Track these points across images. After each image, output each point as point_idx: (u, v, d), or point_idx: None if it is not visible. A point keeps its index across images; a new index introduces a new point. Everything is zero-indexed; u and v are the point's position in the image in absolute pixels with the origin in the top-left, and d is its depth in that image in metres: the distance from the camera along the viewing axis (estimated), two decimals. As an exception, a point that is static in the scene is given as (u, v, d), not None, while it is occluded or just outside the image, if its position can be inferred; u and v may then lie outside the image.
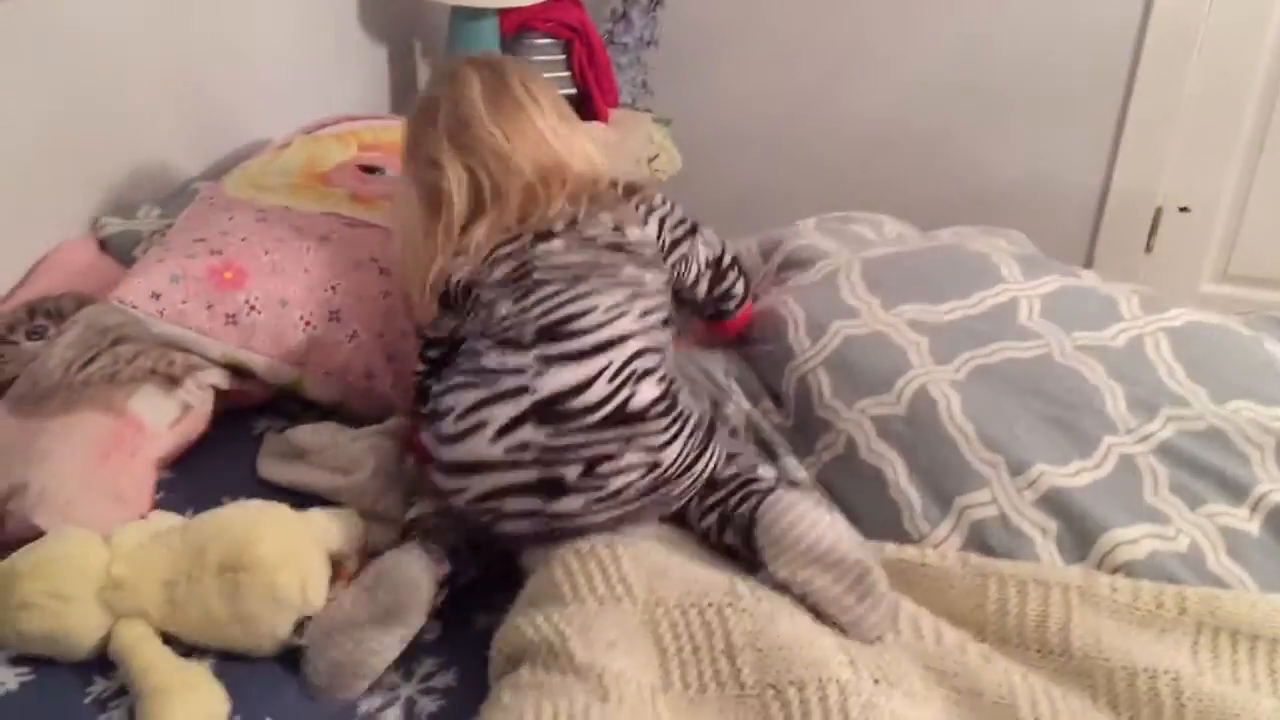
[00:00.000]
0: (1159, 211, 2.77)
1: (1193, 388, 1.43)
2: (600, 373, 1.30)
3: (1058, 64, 2.70)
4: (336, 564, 1.32)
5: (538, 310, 1.35)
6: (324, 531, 1.32)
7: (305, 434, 1.53)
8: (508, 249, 1.41)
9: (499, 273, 1.40)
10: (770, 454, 1.47)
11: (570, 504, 1.28)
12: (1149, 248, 2.81)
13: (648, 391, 1.31)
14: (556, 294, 1.35)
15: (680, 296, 1.55)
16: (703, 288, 1.56)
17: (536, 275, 1.38)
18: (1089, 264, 2.86)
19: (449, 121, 1.46)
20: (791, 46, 2.88)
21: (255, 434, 1.61)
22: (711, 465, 1.35)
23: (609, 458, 1.28)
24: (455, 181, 1.44)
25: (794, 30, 2.87)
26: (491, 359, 1.34)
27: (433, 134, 1.47)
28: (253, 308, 1.59)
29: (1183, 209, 2.75)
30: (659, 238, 1.47)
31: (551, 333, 1.33)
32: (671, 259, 1.49)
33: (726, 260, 1.58)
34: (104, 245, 1.82)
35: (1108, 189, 2.78)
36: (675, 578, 1.24)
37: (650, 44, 2.91)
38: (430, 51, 2.73)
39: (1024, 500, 1.33)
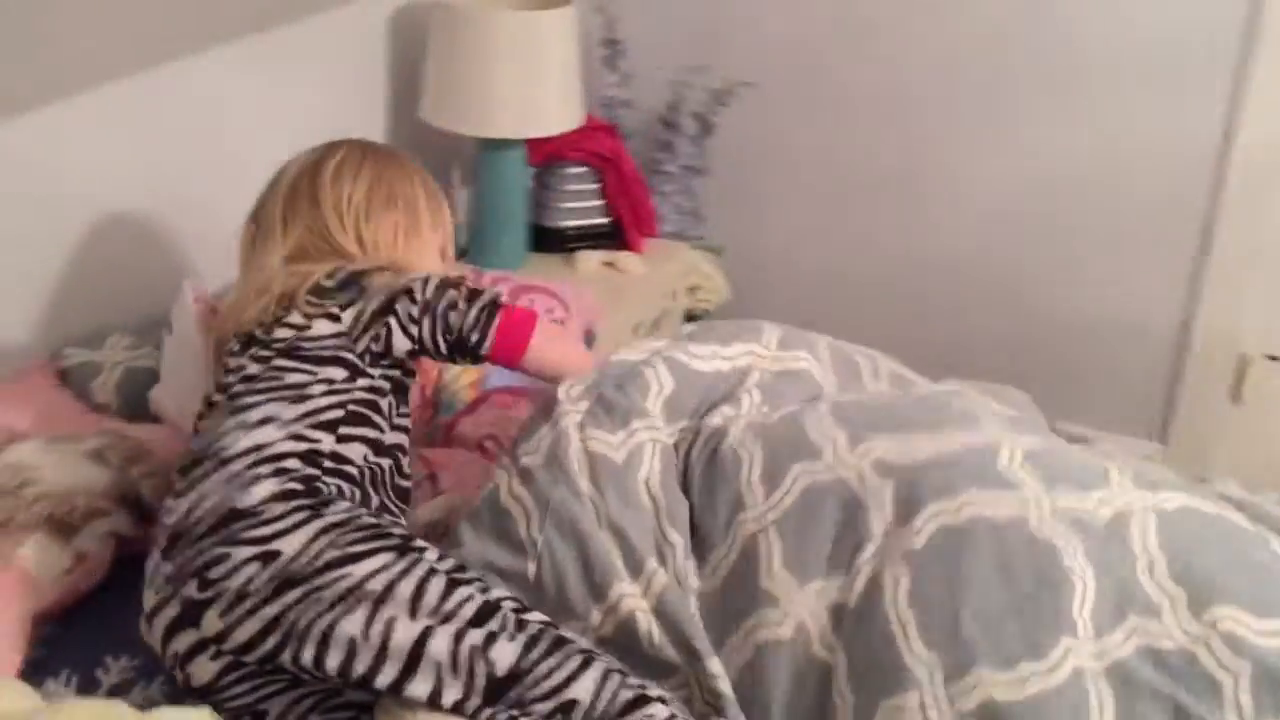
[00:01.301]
0: (1244, 359, 2.50)
1: (1172, 589, 1.22)
2: (214, 490, 1.28)
3: (1132, 195, 2.50)
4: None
5: (196, 446, 1.36)
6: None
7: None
8: (233, 362, 1.45)
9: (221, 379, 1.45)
10: (689, 652, 1.28)
11: (213, 622, 1.23)
12: (1236, 397, 2.54)
13: (260, 491, 1.27)
14: (218, 423, 1.36)
15: (445, 357, 1.49)
16: (426, 338, 1.45)
17: (213, 399, 1.42)
18: (1170, 411, 2.60)
19: (273, 180, 1.59)
20: (847, 176, 2.76)
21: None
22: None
23: (216, 561, 1.23)
24: (245, 234, 1.56)
25: (849, 159, 2.75)
26: (161, 519, 1.34)
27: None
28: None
29: (1272, 357, 2.48)
30: (355, 323, 1.44)
31: (189, 467, 1.33)
32: (363, 342, 1.44)
33: (445, 301, 1.45)
34: (64, 377, 1.78)
35: (1188, 332, 2.53)
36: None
37: (700, 173, 2.83)
38: (468, 179, 2.70)
39: (953, 712, 1.15)
